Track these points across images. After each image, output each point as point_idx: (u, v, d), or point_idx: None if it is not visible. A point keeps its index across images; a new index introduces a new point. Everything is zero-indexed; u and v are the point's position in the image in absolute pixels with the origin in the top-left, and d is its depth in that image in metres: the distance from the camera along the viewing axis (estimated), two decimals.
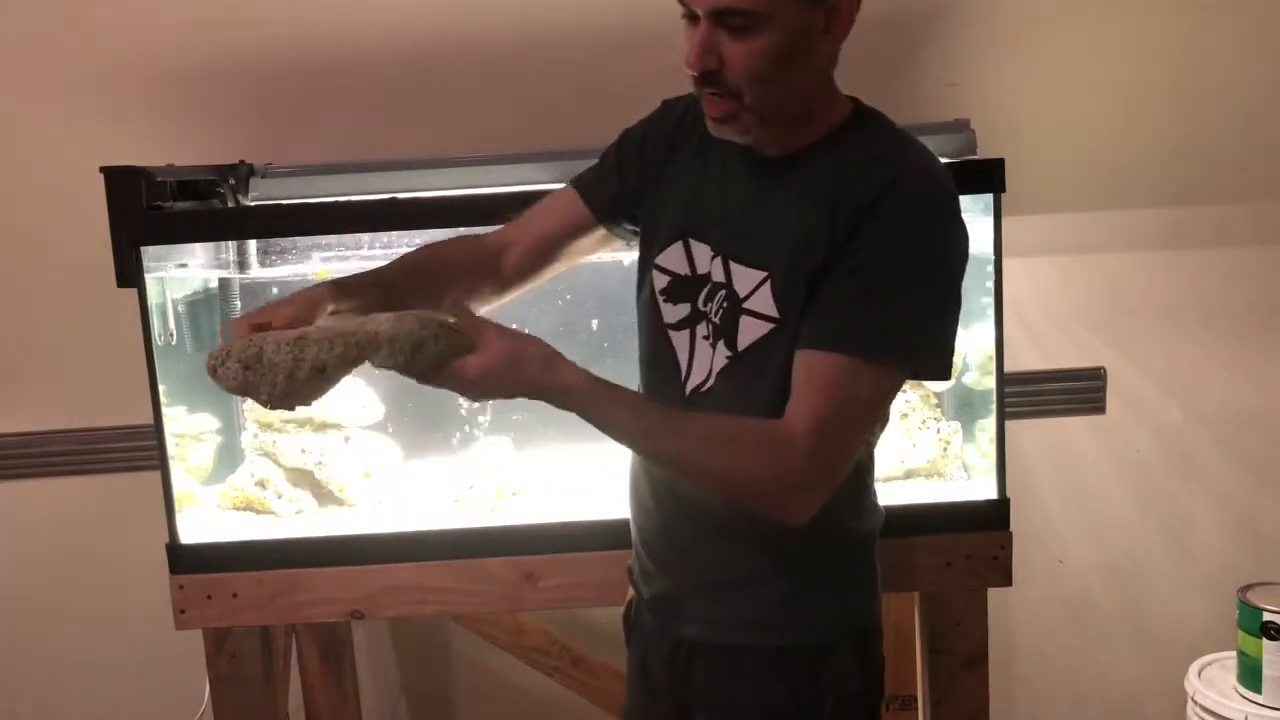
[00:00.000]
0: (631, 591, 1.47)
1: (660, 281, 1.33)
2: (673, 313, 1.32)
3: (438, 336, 1.15)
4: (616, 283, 1.82)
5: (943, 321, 1.21)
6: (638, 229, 1.40)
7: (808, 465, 1.17)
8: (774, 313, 1.22)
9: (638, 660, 1.44)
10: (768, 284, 1.22)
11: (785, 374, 1.20)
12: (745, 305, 1.24)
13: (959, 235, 1.21)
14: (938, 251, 1.19)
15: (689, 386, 1.30)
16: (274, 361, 1.13)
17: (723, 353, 1.26)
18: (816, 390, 1.17)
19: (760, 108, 1.19)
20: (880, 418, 1.27)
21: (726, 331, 1.26)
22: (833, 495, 1.24)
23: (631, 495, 1.40)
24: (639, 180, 1.37)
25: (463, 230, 1.48)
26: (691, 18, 1.17)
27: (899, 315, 1.17)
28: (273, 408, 1.16)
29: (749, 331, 1.24)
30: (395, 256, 1.40)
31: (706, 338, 1.28)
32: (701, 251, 1.29)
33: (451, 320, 1.17)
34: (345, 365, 1.14)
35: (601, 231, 1.42)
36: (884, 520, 1.39)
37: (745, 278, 1.24)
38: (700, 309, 1.29)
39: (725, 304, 1.26)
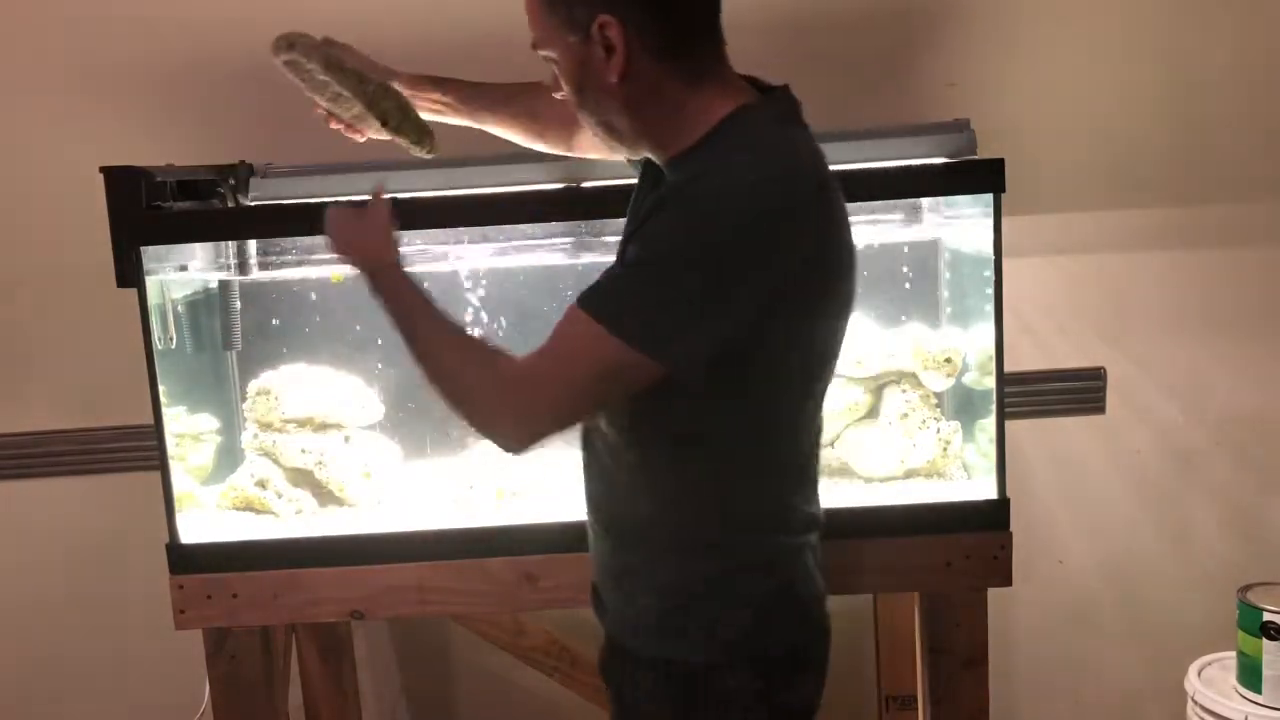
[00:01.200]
0: None
1: None
2: None
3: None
4: None
5: (697, 317, 1.15)
6: None
7: (506, 394, 1.20)
8: None
9: None
10: None
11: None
12: None
13: (749, 240, 1.14)
14: (707, 247, 1.14)
15: None
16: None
17: None
18: (553, 334, 1.20)
19: (592, 128, 1.28)
20: (601, 392, 1.20)
21: None
22: (717, 503, 1.27)
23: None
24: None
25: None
26: None
27: (642, 292, 1.16)
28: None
29: None
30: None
31: None
32: None
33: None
34: (318, 57, 1.59)
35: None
36: (808, 540, 1.33)
37: None
38: None
39: None
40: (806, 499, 1.34)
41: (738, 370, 1.20)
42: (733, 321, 1.16)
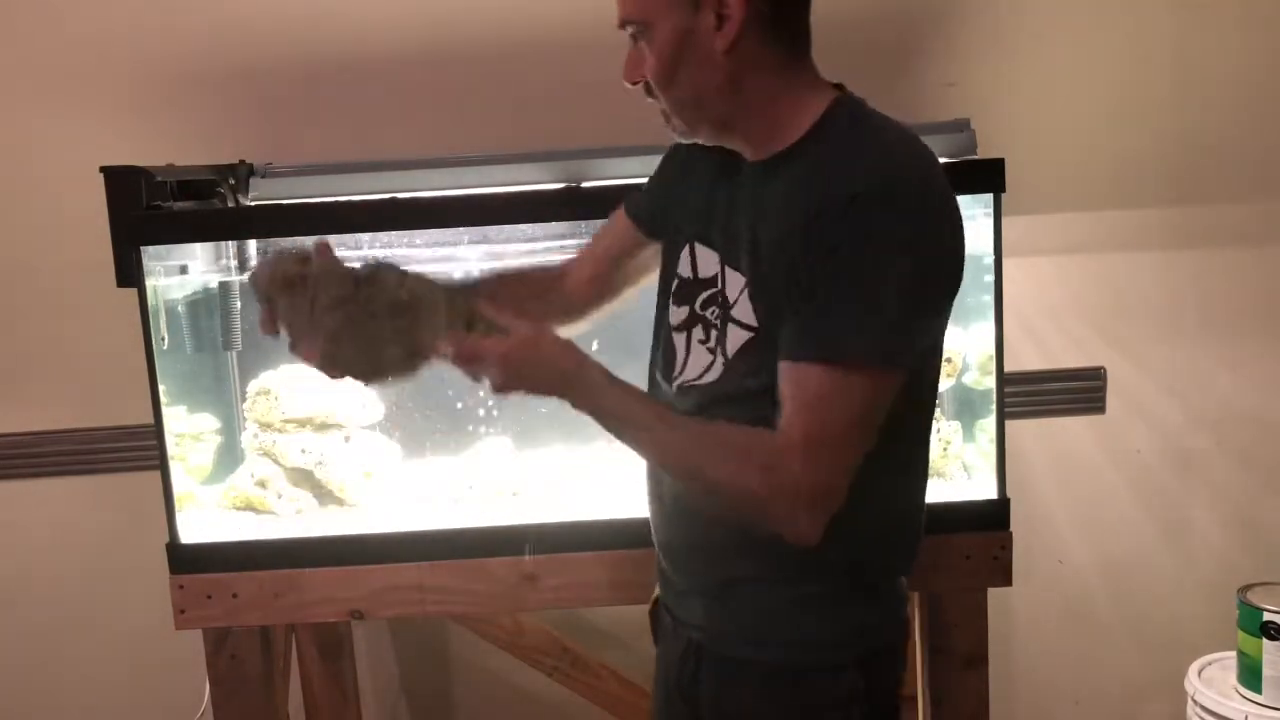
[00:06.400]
0: (657, 588, 1.46)
1: (671, 284, 1.34)
2: (677, 314, 1.32)
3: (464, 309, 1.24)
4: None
5: (922, 317, 1.17)
6: None
7: (803, 487, 1.14)
8: (752, 321, 1.21)
9: (659, 658, 1.44)
10: (746, 291, 1.22)
11: (771, 383, 1.18)
12: (731, 313, 1.24)
13: (936, 229, 1.16)
14: (906, 247, 1.13)
15: (676, 383, 1.31)
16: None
17: (720, 360, 1.26)
18: (801, 407, 1.14)
19: (676, 110, 1.22)
20: (875, 424, 1.16)
21: (720, 338, 1.26)
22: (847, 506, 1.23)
23: (647, 489, 1.40)
24: (675, 190, 1.37)
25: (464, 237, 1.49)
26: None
27: (873, 315, 1.12)
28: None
29: (734, 339, 1.24)
30: (398, 256, 1.42)
31: (703, 341, 1.28)
32: (707, 257, 1.29)
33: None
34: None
35: (654, 246, 1.41)
36: (919, 534, 1.35)
37: (733, 283, 1.25)
38: (698, 313, 1.29)
39: (719, 310, 1.26)
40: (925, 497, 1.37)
41: (918, 359, 1.21)
42: (941, 312, 1.20)
